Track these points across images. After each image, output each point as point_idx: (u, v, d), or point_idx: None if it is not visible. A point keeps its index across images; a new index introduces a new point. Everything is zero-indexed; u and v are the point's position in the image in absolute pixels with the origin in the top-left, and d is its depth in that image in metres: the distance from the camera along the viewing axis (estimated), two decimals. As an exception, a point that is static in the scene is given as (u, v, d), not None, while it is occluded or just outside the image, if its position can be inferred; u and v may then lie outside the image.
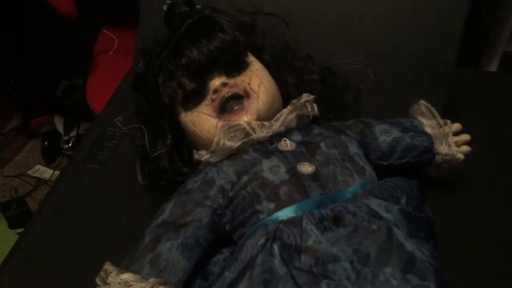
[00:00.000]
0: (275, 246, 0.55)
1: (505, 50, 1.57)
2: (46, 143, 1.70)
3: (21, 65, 1.64)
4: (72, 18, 1.38)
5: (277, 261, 0.54)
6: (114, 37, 1.54)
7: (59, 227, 0.73)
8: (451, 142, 0.73)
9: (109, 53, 1.50)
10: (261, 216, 0.60)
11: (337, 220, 0.57)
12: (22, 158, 1.73)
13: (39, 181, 1.63)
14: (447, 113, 0.79)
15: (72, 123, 1.68)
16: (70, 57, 1.63)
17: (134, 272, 0.56)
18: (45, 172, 1.65)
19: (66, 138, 1.68)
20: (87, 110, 1.46)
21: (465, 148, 0.74)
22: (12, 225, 1.42)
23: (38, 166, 1.68)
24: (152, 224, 0.62)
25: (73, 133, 1.66)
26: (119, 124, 0.76)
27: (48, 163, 1.69)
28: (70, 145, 1.66)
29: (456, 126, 0.76)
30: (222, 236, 0.64)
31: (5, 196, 1.56)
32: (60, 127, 1.70)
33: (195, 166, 0.70)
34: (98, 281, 0.57)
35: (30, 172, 1.65)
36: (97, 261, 0.58)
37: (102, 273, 0.57)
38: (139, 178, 0.74)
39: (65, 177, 0.82)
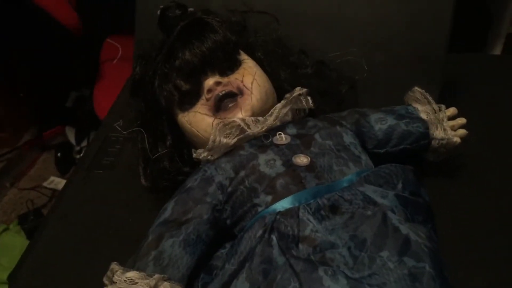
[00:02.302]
0: (273, 237, 0.56)
1: (509, 32, 1.56)
2: (59, 154, 1.73)
3: (31, 80, 1.68)
4: (76, 31, 1.41)
5: (275, 251, 0.55)
6: (118, 45, 1.57)
7: (68, 233, 0.74)
8: (446, 126, 0.74)
9: (114, 62, 1.52)
10: (259, 209, 0.61)
11: (334, 209, 0.58)
12: (37, 171, 1.76)
13: (54, 192, 1.65)
14: (446, 98, 0.80)
15: (83, 133, 1.71)
16: (77, 69, 1.67)
17: (139, 269, 0.58)
18: (60, 183, 1.68)
19: (78, 148, 1.72)
20: (96, 119, 1.48)
21: (461, 131, 0.74)
22: (30, 237, 1.44)
23: (52, 178, 1.70)
24: (155, 223, 0.64)
25: (84, 143, 1.69)
26: (119, 129, 0.78)
27: (62, 174, 1.72)
28: (82, 154, 1.69)
29: (452, 110, 0.76)
30: (224, 231, 0.65)
31: (22, 208, 1.59)
32: (71, 137, 1.74)
33: (196, 165, 0.72)
34: (105, 280, 0.59)
35: (45, 184, 1.68)
36: (105, 263, 0.60)
37: (108, 273, 0.59)
38: (142, 180, 0.76)
39: (71, 184, 0.84)
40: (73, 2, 1.47)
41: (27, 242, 1.38)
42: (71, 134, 1.73)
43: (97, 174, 0.83)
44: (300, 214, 0.57)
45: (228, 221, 0.65)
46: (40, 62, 1.64)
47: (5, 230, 1.45)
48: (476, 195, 0.75)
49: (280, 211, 0.59)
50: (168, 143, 0.75)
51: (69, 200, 0.80)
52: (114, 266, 0.59)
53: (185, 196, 0.65)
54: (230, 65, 0.72)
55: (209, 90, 0.69)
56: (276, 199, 0.61)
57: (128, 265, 0.59)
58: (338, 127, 0.71)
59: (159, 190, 0.74)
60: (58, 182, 1.68)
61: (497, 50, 1.55)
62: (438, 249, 0.56)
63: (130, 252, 0.61)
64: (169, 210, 0.64)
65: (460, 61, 0.99)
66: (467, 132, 0.74)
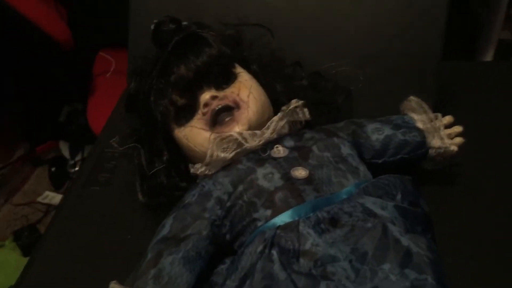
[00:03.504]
0: (274, 252, 0.55)
1: (500, 37, 1.57)
2: (53, 169, 1.72)
3: (22, 95, 1.67)
4: (67, 45, 1.40)
5: (276, 266, 0.54)
6: (111, 58, 1.57)
7: (65, 251, 0.74)
8: (443, 135, 0.74)
9: (107, 75, 1.52)
10: (259, 224, 0.61)
11: (334, 222, 0.57)
12: (30, 186, 1.75)
13: (49, 207, 1.64)
14: (441, 106, 0.80)
15: (77, 147, 1.70)
16: (70, 83, 1.66)
17: (138, 288, 0.58)
18: (54, 198, 1.67)
19: (72, 162, 1.71)
20: (90, 133, 1.48)
21: (458, 139, 0.75)
22: (26, 253, 1.43)
23: (47, 193, 1.69)
24: (153, 240, 0.63)
25: (78, 157, 1.69)
26: (115, 145, 0.77)
27: (56, 189, 1.71)
28: (76, 169, 1.68)
29: (448, 118, 0.76)
30: (223, 246, 0.65)
31: (16, 225, 1.58)
32: (65, 152, 1.73)
33: (193, 180, 0.71)
34: (104, 299, 0.59)
35: (39, 199, 1.67)
36: (104, 281, 0.59)
37: (108, 292, 0.59)
38: (139, 196, 0.75)
39: (67, 202, 0.83)
40: (65, 16, 1.47)
41: (22, 259, 1.38)
42: (65, 149, 1.73)
43: (93, 190, 0.82)
44: (300, 228, 0.57)
45: (227, 236, 0.65)
46: (31, 77, 1.64)
47: (1, 247, 1.44)
48: (474, 203, 0.75)
49: (280, 226, 0.58)
50: (164, 158, 0.74)
51: (66, 218, 0.79)
52: (114, 285, 0.59)
53: (183, 212, 0.65)
54: (225, 79, 0.72)
55: (205, 105, 0.69)
56: (275, 213, 0.60)
57: (127, 283, 0.59)
58: (335, 139, 0.70)
59: (157, 206, 0.74)
60: (52, 197, 1.67)
61: (489, 56, 1.56)
62: (438, 259, 0.56)
63: (128, 270, 0.61)
64: (167, 226, 0.64)
65: (453, 69, 0.99)
66: (464, 140, 0.74)
